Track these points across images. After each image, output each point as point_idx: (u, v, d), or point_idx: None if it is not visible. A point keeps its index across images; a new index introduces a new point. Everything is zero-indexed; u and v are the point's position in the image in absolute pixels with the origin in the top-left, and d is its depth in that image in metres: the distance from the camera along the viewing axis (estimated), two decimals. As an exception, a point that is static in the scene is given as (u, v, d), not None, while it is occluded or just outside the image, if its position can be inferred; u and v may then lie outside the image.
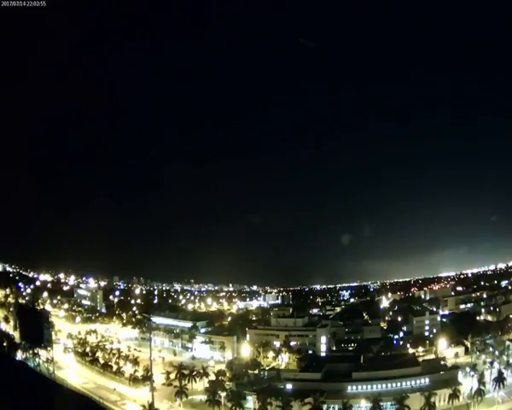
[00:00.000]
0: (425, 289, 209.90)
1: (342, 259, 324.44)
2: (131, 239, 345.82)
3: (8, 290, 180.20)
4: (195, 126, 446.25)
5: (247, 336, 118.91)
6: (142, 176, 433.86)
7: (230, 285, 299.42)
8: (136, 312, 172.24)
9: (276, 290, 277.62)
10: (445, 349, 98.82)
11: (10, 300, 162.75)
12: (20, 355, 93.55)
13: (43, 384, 67.45)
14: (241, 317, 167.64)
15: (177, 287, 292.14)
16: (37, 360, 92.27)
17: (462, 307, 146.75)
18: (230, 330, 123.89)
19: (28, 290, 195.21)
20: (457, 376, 76.46)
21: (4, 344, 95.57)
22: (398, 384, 74.70)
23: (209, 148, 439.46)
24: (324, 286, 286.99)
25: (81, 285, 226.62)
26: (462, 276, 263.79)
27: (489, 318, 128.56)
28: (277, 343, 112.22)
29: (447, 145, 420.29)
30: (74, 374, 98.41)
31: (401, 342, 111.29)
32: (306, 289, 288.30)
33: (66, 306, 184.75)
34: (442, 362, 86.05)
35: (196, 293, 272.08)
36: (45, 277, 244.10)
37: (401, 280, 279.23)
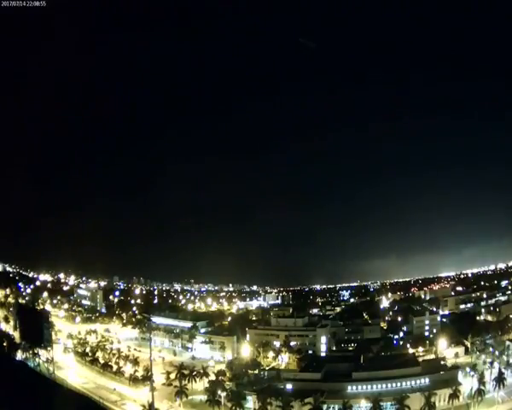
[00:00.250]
0: (425, 289, 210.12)
1: (342, 259, 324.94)
2: (131, 239, 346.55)
3: (8, 290, 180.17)
4: (195, 126, 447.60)
5: (247, 336, 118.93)
6: (141, 176, 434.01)
7: (230, 285, 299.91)
8: (136, 312, 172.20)
9: (276, 290, 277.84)
10: (445, 349, 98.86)
11: (10, 300, 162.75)
12: (20, 355, 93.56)
13: (43, 384, 67.50)
14: (241, 317, 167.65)
15: (177, 287, 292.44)
16: (37, 360, 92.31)
17: (462, 307, 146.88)
18: (230, 330, 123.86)
19: (28, 290, 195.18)
20: (457, 376, 76.48)
21: (4, 344, 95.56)
22: (398, 384, 74.72)
23: (209, 147, 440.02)
24: (324, 286, 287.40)
25: (81, 285, 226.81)
26: (462, 276, 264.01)
27: (489, 318, 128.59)
28: (277, 343, 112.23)
29: (447, 145, 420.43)
30: (74, 374, 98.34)
31: (401, 342, 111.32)
32: (306, 289, 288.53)
33: (66, 306, 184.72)
34: (442, 362, 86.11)
35: (196, 293, 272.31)
36: (45, 277, 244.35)
37: (401, 280, 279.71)
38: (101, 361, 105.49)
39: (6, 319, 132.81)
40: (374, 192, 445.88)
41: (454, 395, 69.01)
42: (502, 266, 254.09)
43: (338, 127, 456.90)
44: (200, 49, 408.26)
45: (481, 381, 71.53)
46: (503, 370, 75.11)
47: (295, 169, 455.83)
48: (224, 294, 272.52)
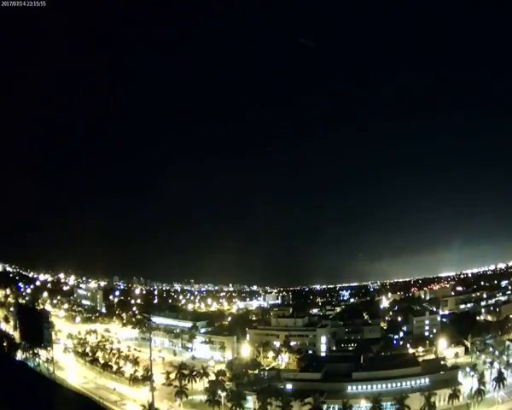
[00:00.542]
0: (425, 289, 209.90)
1: (342, 259, 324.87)
2: (131, 239, 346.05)
3: (8, 290, 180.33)
4: (195, 126, 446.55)
5: (247, 336, 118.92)
6: (141, 175, 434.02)
7: (230, 285, 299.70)
8: (136, 312, 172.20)
9: (276, 290, 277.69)
10: (445, 349, 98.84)
11: (10, 300, 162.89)
12: (20, 355, 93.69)
13: (43, 384, 67.62)
14: (241, 317, 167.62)
15: (177, 287, 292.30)
16: (37, 360, 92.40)
17: (462, 307, 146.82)
18: (230, 330, 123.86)
19: (28, 290, 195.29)
20: (457, 376, 76.50)
21: (4, 344, 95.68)
22: (398, 384, 74.74)
23: (209, 147, 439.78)
24: (324, 286, 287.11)
25: (81, 285, 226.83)
26: (462, 276, 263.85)
27: (489, 318, 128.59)
28: (277, 343, 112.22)
29: (447, 145, 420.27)
30: (74, 374, 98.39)
31: (401, 342, 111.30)
32: (306, 289, 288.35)
33: (66, 306, 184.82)
34: (442, 362, 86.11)
35: (196, 293, 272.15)
36: (45, 277, 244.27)
37: (401, 280, 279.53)
38: (101, 361, 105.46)
39: (6, 319, 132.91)
40: (374, 192, 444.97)
41: (454, 395, 69.03)
42: (502, 266, 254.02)
43: (338, 127, 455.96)
44: (201, 49, 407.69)
45: (481, 381, 71.51)
46: (503, 370, 75.13)
47: (295, 168, 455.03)
48: (224, 294, 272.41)
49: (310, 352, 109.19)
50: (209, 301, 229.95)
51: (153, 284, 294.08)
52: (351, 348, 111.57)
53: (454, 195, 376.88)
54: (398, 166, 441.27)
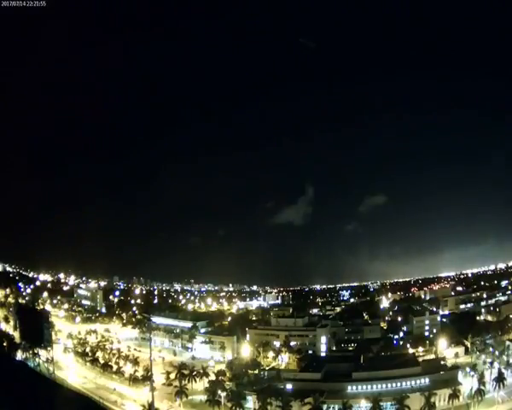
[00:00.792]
0: (425, 289, 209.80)
1: (342, 259, 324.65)
2: (131, 239, 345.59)
3: (8, 290, 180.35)
4: (195, 123, 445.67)
5: (247, 336, 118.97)
6: (141, 175, 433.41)
7: (230, 285, 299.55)
8: (136, 312, 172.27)
9: (276, 290, 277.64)
10: (445, 349, 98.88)
11: (10, 300, 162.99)
12: (20, 355, 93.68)
13: (43, 384, 67.64)
14: (241, 317, 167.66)
15: (177, 287, 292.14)
16: (37, 360, 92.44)
17: (462, 307, 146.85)
18: (230, 330, 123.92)
19: (28, 290, 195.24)
20: (457, 376, 76.53)
21: (4, 344, 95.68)
22: (398, 384, 74.79)
23: (209, 145, 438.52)
24: (324, 286, 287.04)
25: (81, 285, 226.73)
26: (462, 276, 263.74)
27: (489, 318, 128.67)
28: (277, 343, 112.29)
29: (447, 143, 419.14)
30: (74, 374, 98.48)
31: (401, 342, 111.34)
32: (306, 289, 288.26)
33: (66, 306, 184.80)
34: (442, 362, 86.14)
35: (196, 293, 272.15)
36: (45, 277, 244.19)
37: (401, 280, 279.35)
38: (101, 361, 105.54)
39: (6, 319, 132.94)
40: (374, 190, 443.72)
41: (454, 395, 69.09)
42: (502, 266, 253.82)
43: (338, 124, 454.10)
44: (200, 49, 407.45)
45: (481, 381, 71.61)
46: (503, 370, 75.23)
47: (295, 168, 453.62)
48: (224, 294, 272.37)
49: (310, 352, 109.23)
50: (209, 301, 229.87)
51: (153, 284, 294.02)
52: (351, 348, 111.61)
53: (454, 194, 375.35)
54: (397, 164, 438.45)
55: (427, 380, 74.69)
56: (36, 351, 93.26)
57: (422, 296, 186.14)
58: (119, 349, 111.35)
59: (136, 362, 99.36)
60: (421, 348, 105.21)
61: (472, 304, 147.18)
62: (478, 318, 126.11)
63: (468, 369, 79.32)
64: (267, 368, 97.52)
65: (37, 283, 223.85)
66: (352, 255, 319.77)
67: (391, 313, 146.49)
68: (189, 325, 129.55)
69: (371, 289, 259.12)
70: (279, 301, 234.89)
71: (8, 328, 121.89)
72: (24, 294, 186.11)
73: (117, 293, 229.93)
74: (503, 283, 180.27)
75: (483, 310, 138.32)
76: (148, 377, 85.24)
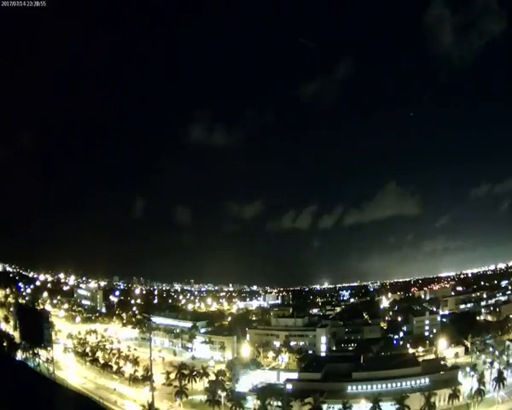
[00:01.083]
0: (425, 289, 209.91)
1: (342, 259, 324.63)
2: (131, 239, 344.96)
3: (8, 290, 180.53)
4: (195, 122, 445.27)
5: (247, 336, 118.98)
6: (141, 174, 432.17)
7: (230, 285, 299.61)
8: (136, 312, 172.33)
9: (276, 290, 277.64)
10: (445, 349, 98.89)
11: (10, 300, 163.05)
12: (20, 355, 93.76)
13: (43, 384, 67.56)
14: (241, 317, 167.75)
15: (177, 287, 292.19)
16: (37, 360, 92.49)
17: (462, 307, 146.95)
18: (230, 330, 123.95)
19: (28, 290, 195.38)
20: (457, 376, 76.48)
21: (4, 344, 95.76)
22: (398, 384, 74.70)
23: (208, 143, 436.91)
24: (324, 286, 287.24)
25: (81, 285, 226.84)
26: (462, 276, 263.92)
27: (489, 318, 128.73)
28: (277, 343, 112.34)
29: (447, 141, 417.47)
30: (74, 374, 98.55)
31: (401, 342, 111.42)
32: (306, 289, 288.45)
33: (66, 306, 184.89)
34: (442, 362, 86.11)
35: (196, 293, 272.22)
36: (45, 277, 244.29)
37: (401, 280, 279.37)
38: (101, 361, 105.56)
39: (6, 319, 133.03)
40: (374, 189, 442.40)
41: (454, 395, 69.06)
42: (502, 266, 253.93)
43: (337, 123, 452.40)
44: (201, 47, 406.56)
45: (481, 381, 71.58)
46: (502, 370, 75.14)
47: (294, 164, 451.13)
48: (224, 294, 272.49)
49: (310, 352, 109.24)
50: (209, 301, 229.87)
51: (153, 284, 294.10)
52: (351, 348, 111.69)
53: (454, 193, 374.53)
54: (397, 163, 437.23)
55: (427, 380, 74.57)
56: (36, 351, 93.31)
57: (422, 296, 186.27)
58: (119, 349, 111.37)
59: (136, 362, 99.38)
60: (421, 348, 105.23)
61: (472, 304, 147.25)
62: (478, 318, 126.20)
63: (468, 369, 79.34)
64: (267, 368, 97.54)
65: (37, 283, 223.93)
66: (352, 256, 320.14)
67: (391, 313, 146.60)
68: (189, 325, 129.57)
69: (371, 289, 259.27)
70: (279, 301, 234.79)
71: (8, 328, 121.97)
72: (24, 294, 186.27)
73: (117, 293, 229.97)
74: (503, 283, 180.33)
75: (483, 310, 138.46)
76: (148, 377, 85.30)
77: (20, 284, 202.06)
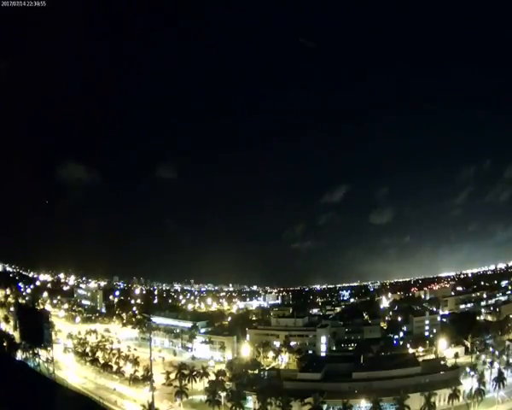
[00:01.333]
0: (425, 289, 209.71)
1: (342, 259, 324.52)
2: (131, 238, 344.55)
3: (8, 290, 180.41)
4: (194, 121, 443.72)
5: (247, 336, 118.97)
6: (141, 174, 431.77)
7: (230, 285, 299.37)
8: (136, 312, 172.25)
9: (276, 290, 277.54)
10: (445, 349, 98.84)
11: (10, 300, 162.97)
12: (20, 355, 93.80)
13: (43, 384, 67.69)
14: (241, 317, 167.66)
15: (177, 287, 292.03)
16: (37, 360, 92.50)
17: (462, 307, 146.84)
18: (230, 330, 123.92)
19: (28, 290, 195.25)
20: (457, 376, 76.42)
21: (4, 344, 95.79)
22: (399, 384, 74.59)
23: (209, 145, 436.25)
24: (324, 286, 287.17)
25: (81, 285, 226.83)
26: (462, 276, 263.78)
27: (489, 318, 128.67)
28: (277, 343, 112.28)
29: (447, 141, 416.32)
30: (74, 374, 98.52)
31: (401, 342, 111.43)
32: (306, 289, 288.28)
33: (66, 306, 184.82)
34: (442, 362, 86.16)
35: (196, 293, 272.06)
36: (45, 277, 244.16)
37: (401, 280, 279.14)
38: (101, 361, 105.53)
39: (6, 319, 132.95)
40: (374, 190, 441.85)
41: (454, 395, 69.07)
42: (502, 266, 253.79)
43: (337, 124, 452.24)
44: (201, 47, 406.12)
45: (481, 381, 71.60)
46: (502, 370, 75.17)
47: (294, 167, 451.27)
48: (224, 294, 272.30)
49: (310, 352, 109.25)
50: (209, 301, 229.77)
51: (153, 284, 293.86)
52: (351, 348, 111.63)
53: (454, 193, 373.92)
54: (398, 163, 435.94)
55: (427, 380, 74.59)
56: (36, 351, 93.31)
57: (422, 296, 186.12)
58: (119, 349, 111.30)
59: (136, 362, 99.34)
60: (421, 348, 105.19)
61: (472, 304, 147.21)
62: (478, 318, 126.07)
63: (468, 369, 79.27)
64: (267, 368, 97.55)
65: (37, 283, 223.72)
66: (352, 256, 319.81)
67: (391, 313, 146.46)
68: (188, 325, 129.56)
69: (371, 289, 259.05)
70: (279, 301, 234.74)
71: (8, 328, 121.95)
72: (24, 294, 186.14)
73: (117, 293, 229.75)
74: (503, 283, 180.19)
75: (483, 310, 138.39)
76: (148, 377, 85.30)
77: (20, 284, 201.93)
